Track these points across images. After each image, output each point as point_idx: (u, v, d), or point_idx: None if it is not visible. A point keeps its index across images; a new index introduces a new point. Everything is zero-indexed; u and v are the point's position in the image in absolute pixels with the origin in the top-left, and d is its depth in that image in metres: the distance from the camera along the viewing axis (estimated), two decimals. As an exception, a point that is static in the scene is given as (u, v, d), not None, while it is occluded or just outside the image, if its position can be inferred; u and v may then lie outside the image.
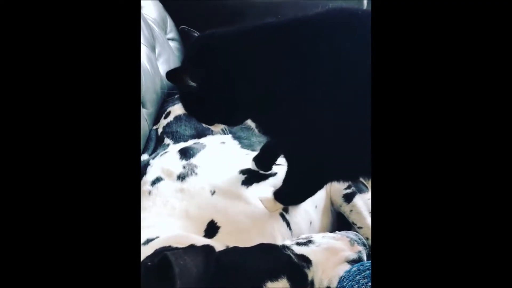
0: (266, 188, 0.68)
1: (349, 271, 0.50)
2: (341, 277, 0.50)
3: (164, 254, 0.42)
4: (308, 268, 0.50)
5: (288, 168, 0.63)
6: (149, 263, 0.44)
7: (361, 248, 0.55)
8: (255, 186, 0.70)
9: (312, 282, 0.50)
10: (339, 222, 0.75)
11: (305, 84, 0.51)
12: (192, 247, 0.54)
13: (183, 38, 0.63)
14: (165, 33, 1.26)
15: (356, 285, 0.47)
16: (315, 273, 0.51)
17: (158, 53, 1.11)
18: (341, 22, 0.52)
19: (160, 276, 0.42)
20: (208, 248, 0.51)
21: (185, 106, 0.62)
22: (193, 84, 0.55)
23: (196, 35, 0.61)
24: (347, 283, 0.48)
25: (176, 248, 0.53)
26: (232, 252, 0.52)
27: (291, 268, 0.49)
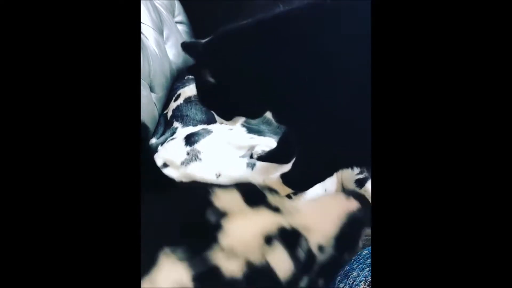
0: (271, 171, 0.67)
1: (359, 254, 0.50)
2: (352, 259, 0.50)
3: None
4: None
5: (298, 151, 0.62)
6: None
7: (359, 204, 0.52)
8: (259, 167, 0.69)
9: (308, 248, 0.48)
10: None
11: (315, 72, 0.50)
12: None
13: (188, 51, 0.63)
14: (173, 16, 1.25)
15: (367, 268, 0.46)
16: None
17: (166, 36, 1.10)
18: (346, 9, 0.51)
19: None
20: None
21: (203, 101, 0.62)
22: (212, 80, 0.55)
23: (201, 41, 0.60)
24: (357, 265, 0.48)
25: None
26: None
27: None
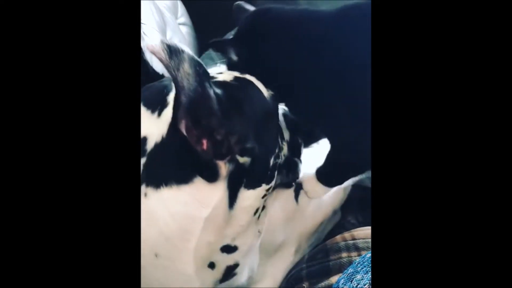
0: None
1: (363, 257, 0.49)
2: (356, 262, 0.49)
3: None
4: None
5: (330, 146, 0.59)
6: None
7: None
8: None
9: None
10: (349, 201, 0.74)
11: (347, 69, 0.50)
12: None
13: (237, 13, 0.61)
14: (176, 18, 1.25)
15: (371, 271, 0.46)
16: None
17: (169, 38, 1.10)
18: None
19: None
20: None
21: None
22: (235, 58, 0.55)
23: (251, 9, 0.59)
24: (361, 268, 0.47)
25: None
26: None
27: None
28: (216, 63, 0.86)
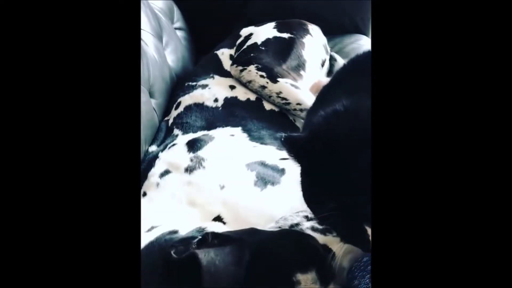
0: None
1: (360, 261, 0.50)
2: (353, 267, 0.49)
3: (191, 253, 0.42)
4: (333, 260, 0.49)
5: None
6: (174, 255, 0.43)
7: None
8: (270, 188, 0.67)
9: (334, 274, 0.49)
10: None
11: None
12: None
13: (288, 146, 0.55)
14: (172, 22, 1.25)
15: (368, 275, 0.46)
16: (337, 264, 0.50)
17: (166, 42, 1.10)
18: None
19: (185, 272, 0.42)
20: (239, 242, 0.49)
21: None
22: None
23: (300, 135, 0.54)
24: (358, 273, 0.48)
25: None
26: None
27: (319, 261, 0.48)
28: (171, 142, 0.81)
